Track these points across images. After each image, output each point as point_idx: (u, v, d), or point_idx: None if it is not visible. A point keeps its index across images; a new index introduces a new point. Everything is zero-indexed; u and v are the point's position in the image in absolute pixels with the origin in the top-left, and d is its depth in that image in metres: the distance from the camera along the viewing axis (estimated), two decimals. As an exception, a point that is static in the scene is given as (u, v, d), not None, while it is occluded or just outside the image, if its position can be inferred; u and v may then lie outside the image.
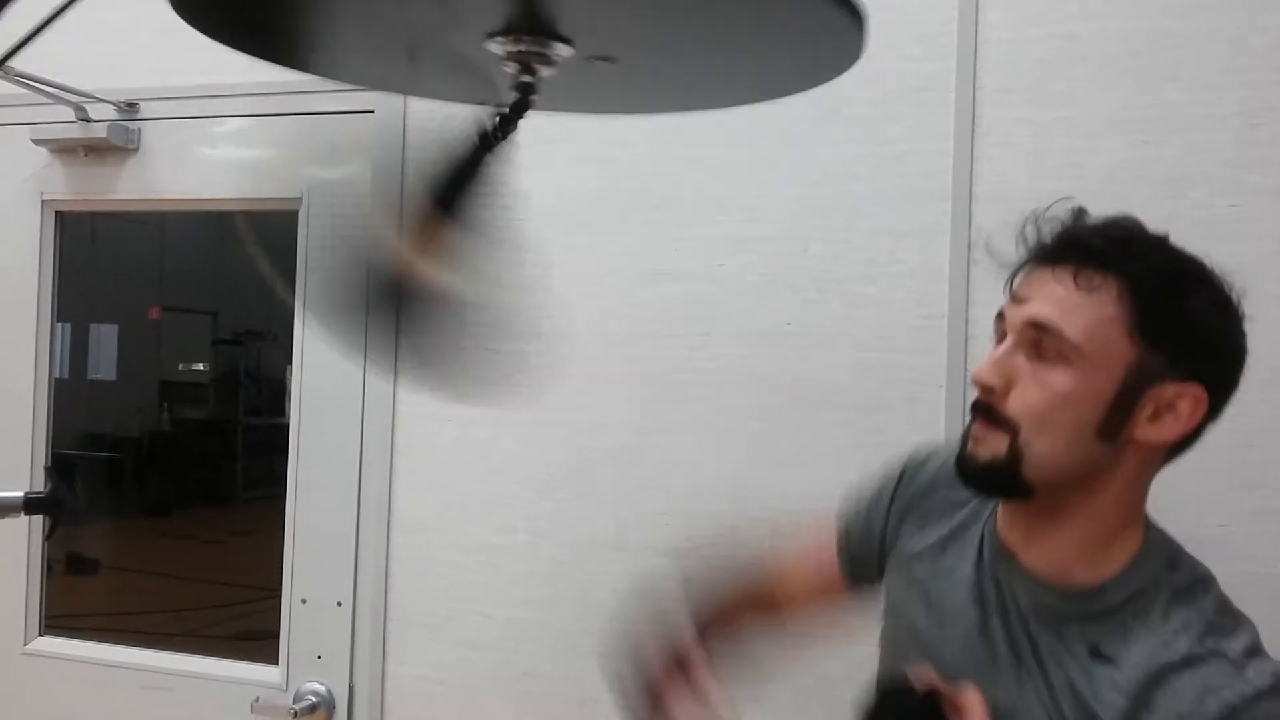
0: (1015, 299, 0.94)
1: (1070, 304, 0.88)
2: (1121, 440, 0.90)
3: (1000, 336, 0.95)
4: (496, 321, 0.84)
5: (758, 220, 1.65)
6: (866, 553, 1.15)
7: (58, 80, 1.91)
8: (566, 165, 1.73)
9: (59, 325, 2.14)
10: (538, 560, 1.75)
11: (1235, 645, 0.86)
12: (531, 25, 0.77)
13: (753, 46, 0.82)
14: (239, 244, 1.90)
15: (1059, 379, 0.88)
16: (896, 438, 1.51)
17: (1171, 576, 0.92)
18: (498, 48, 0.79)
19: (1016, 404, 0.90)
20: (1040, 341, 0.90)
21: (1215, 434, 1.43)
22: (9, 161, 2.09)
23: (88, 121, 1.99)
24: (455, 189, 0.79)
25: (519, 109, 0.81)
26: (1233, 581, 1.42)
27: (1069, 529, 0.92)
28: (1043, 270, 0.92)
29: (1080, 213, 0.96)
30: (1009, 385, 0.91)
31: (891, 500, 1.13)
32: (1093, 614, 0.91)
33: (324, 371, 1.91)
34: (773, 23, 0.76)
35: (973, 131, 1.54)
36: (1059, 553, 0.93)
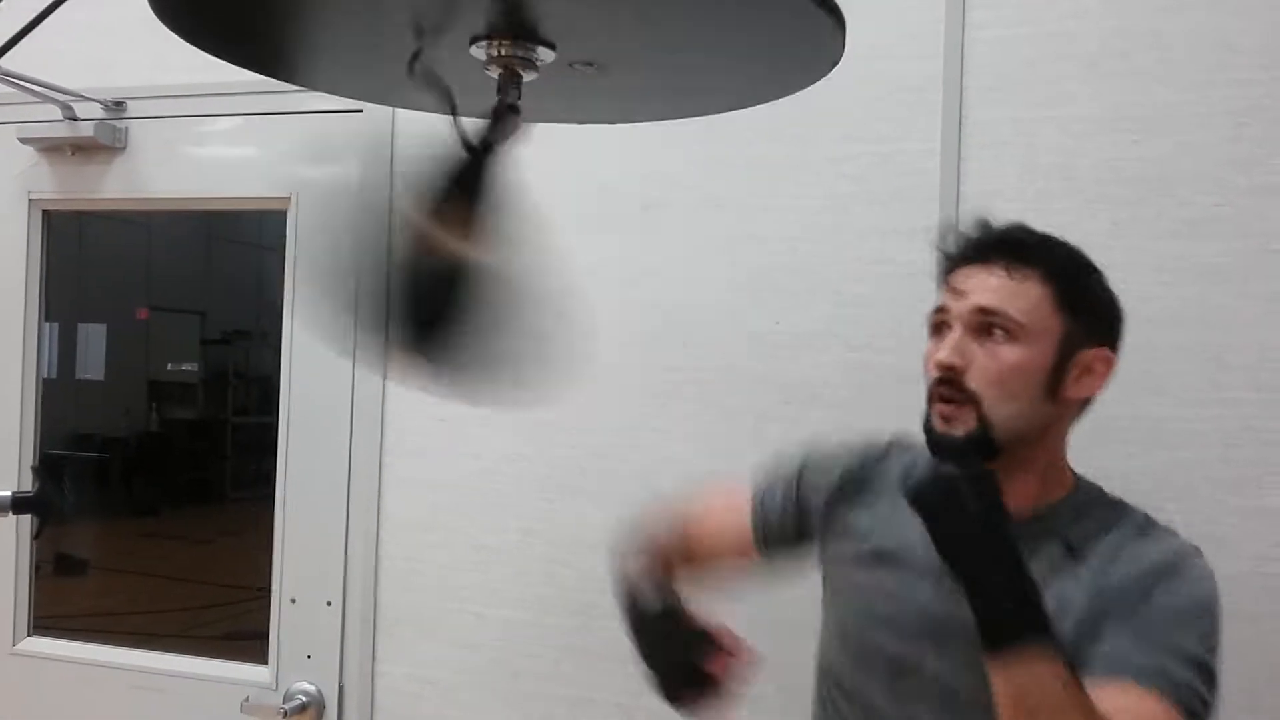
0: (956, 293, 1.10)
1: (1008, 291, 1.07)
2: (1059, 398, 1.09)
3: (937, 328, 1.12)
4: (512, 305, 0.85)
5: (747, 220, 1.65)
6: (784, 525, 1.30)
7: (45, 79, 1.91)
8: (556, 166, 1.73)
9: (47, 325, 2.13)
10: (528, 560, 1.75)
11: (1167, 529, 1.11)
12: (514, 29, 0.78)
13: (734, 51, 0.82)
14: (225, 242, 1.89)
15: (1009, 353, 1.06)
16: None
17: (1105, 493, 1.16)
18: (480, 52, 0.80)
19: (977, 379, 1.07)
20: (988, 325, 1.07)
21: (1203, 433, 1.45)
22: (-4, 160, 2.08)
23: (75, 120, 1.98)
24: (465, 180, 0.80)
25: (502, 114, 0.81)
26: (1221, 579, 1.42)
27: (1028, 473, 1.10)
28: (975, 268, 1.10)
29: (986, 223, 1.15)
30: (967, 365, 1.07)
31: (814, 485, 1.28)
32: (1064, 522, 1.11)
33: (313, 371, 1.90)
34: (754, 26, 0.77)
35: (960, 131, 1.55)
36: (1023, 493, 1.09)
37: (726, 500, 1.36)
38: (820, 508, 1.27)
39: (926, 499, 1.02)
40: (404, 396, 1.83)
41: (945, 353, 1.07)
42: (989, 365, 1.06)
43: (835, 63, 0.82)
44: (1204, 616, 1.03)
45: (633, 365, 1.70)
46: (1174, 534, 1.10)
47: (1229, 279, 1.45)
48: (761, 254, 1.64)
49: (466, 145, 0.80)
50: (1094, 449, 1.47)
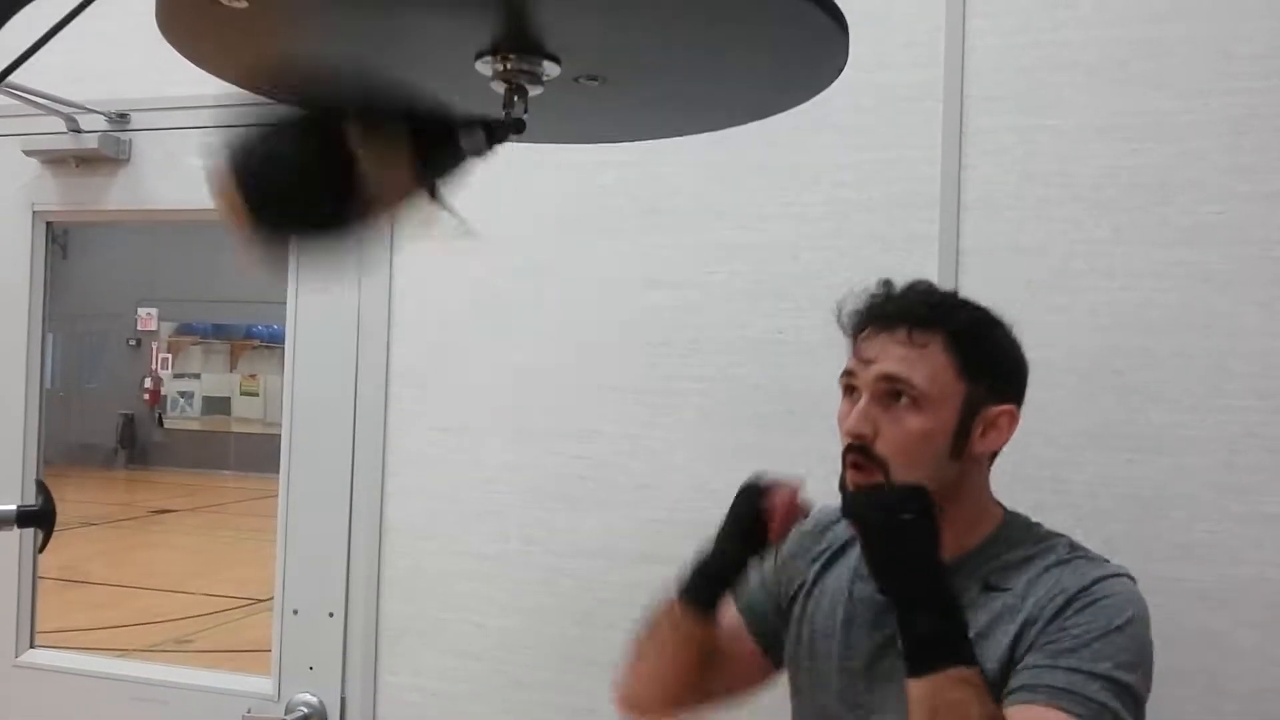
0: (863, 360, 1.14)
1: (911, 359, 1.10)
2: (965, 456, 1.13)
3: (847, 389, 1.15)
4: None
5: (748, 228, 1.66)
6: (766, 608, 1.30)
7: (49, 91, 1.91)
8: (557, 172, 1.73)
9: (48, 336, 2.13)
10: (530, 569, 1.75)
11: (1092, 555, 1.13)
12: (519, 44, 0.78)
13: (739, 63, 0.83)
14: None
15: (914, 420, 1.10)
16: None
17: (1035, 529, 1.18)
18: (486, 67, 0.80)
19: (884, 446, 1.10)
20: (894, 391, 1.10)
21: (1202, 440, 1.45)
22: (0, 173, 2.09)
23: (79, 132, 1.99)
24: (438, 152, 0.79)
25: (510, 128, 0.81)
26: (1223, 586, 1.43)
27: (943, 527, 1.09)
28: (881, 334, 1.13)
29: (888, 283, 1.18)
30: (876, 431, 1.10)
31: (774, 567, 1.31)
32: (980, 562, 1.14)
33: (316, 380, 1.91)
34: (758, 36, 0.77)
35: (960, 139, 1.55)
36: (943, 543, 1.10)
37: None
38: (796, 587, 1.28)
39: (862, 511, 1.09)
40: (406, 407, 1.83)
41: (853, 422, 1.11)
42: (895, 433, 1.10)
43: (840, 69, 0.83)
44: (1117, 636, 1.04)
45: (634, 374, 1.70)
46: (1100, 561, 1.13)
47: (1230, 285, 1.45)
48: (763, 262, 1.64)
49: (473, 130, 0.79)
50: (1095, 456, 1.48)
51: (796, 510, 1.19)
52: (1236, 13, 1.46)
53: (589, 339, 1.73)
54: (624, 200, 1.72)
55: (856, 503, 1.10)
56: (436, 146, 0.79)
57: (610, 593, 1.70)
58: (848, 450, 1.12)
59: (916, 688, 1.00)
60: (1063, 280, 1.51)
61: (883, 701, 1.14)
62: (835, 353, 1.60)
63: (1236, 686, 1.43)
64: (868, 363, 1.13)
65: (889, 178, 1.59)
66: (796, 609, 1.26)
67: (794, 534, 1.26)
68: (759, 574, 1.30)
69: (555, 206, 1.75)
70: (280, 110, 0.80)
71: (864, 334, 1.16)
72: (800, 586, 1.27)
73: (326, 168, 0.77)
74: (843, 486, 1.14)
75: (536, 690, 1.74)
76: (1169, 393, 1.46)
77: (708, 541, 1.22)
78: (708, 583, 1.21)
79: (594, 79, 0.85)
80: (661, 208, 1.70)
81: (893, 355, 1.11)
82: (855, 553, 1.23)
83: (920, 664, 1.00)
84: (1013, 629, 1.08)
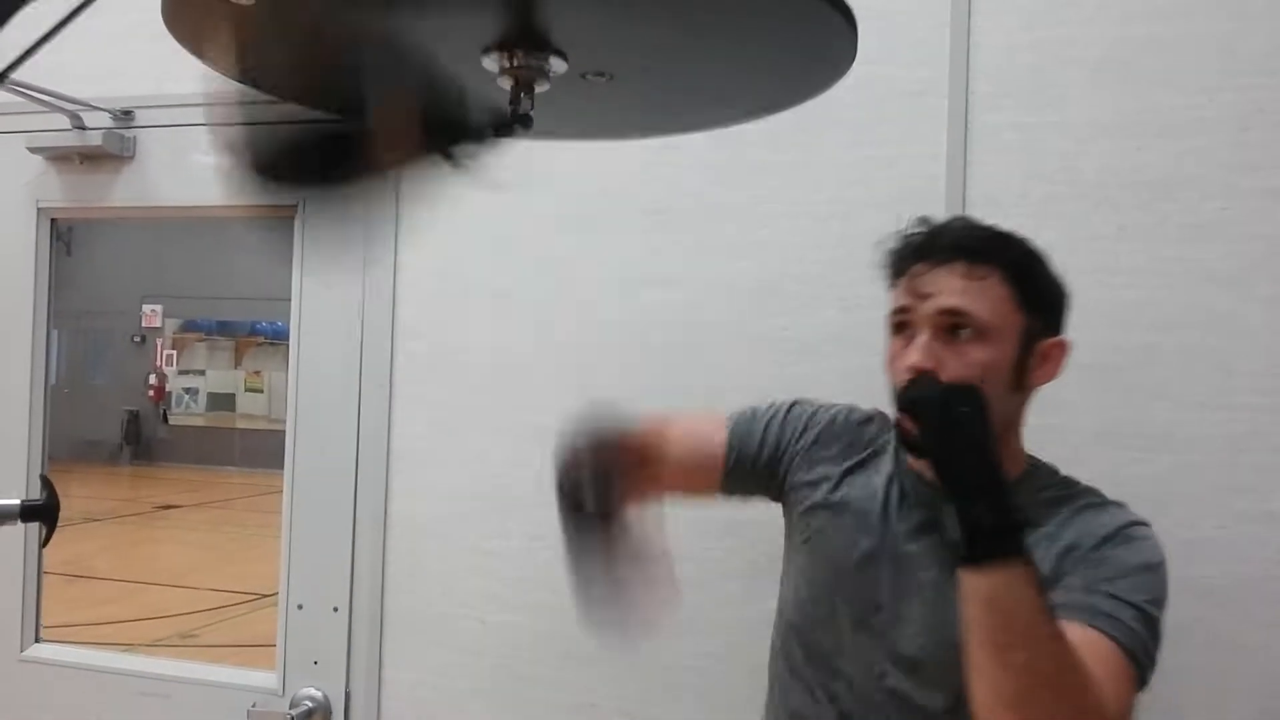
0: (919, 295, 1.12)
1: (971, 292, 1.09)
2: (1021, 389, 1.14)
3: (898, 327, 1.14)
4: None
5: (752, 225, 1.66)
6: (754, 463, 1.30)
7: (53, 88, 1.92)
8: (563, 171, 1.73)
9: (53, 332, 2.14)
10: (533, 565, 1.75)
11: (1121, 503, 1.16)
12: (527, 39, 0.78)
13: (745, 59, 0.83)
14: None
15: (978, 352, 1.09)
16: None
17: (1061, 474, 1.21)
18: (493, 63, 0.80)
19: (949, 379, 1.08)
20: (954, 325, 1.09)
21: (1206, 439, 1.45)
22: (5, 169, 2.09)
23: (83, 129, 1.99)
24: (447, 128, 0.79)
25: (517, 124, 0.82)
26: (1228, 583, 1.43)
27: None
28: (934, 269, 1.12)
29: (927, 219, 1.18)
30: (941, 366, 1.09)
31: (797, 437, 1.30)
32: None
33: (320, 376, 1.91)
34: (765, 31, 0.77)
35: (966, 136, 1.55)
36: None
37: (703, 415, 1.36)
38: (796, 448, 1.29)
39: (921, 404, 1.06)
40: (410, 404, 1.83)
41: (917, 355, 1.09)
42: (959, 366, 1.08)
43: (849, 65, 0.82)
44: (1151, 575, 1.07)
45: (637, 371, 1.70)
46: (1125, 507, 1.15)
47: (1234, 283, 1.45)
48: (767, 260, 1.64)
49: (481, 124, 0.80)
50: (1099, 453, 1.48)
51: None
52: (1241, 10, 1.46)
53: (593, 337, 1.73)
54: (628, 199, 1.72)
55: (915, 396, 1.07)
56: (446, 121, 0.79)
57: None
58: (908, 386, 1.10)
59: (975, 580, 0.96)
60: (1067, 277, 1.49)
61: (905, 612, 1.15)
62: (840, 350, 1.61)
63: (1241, 684, 1.43)
64: (925, 297, 1.11)
65: (894, 175, 1.59)
66: (807, 497, 1.26)
67: (836, 419, 1.30)
68: (780, 418, 1.31)
69: (560, 205, 1.75)
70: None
71: (915, 269, 1.14)
72: (824, 479, 1.26)
73: (337, 128, 0.78)
74: (897, 425, 1.11)
75: (539, 686, 1.74)
76: (1173, 391, 1.46)
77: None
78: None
79: (601, 75, 0.85)
80: (666, 207, 1.70)
81: (953, 288, 1.10)
82: (885, 465, 1.24)
83: (981, 555, 0.96)
84: (1052, 554, 1.09)
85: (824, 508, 1.25)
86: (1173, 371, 1.46)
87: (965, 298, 1.09)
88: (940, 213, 1.54)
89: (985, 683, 0.96)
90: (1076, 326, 1.49)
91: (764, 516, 1.39)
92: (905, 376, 1.10)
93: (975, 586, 0.97)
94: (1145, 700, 1.34)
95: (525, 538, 1.76)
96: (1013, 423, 1.16)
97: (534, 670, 1.74)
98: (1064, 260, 1.51)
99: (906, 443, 1.12)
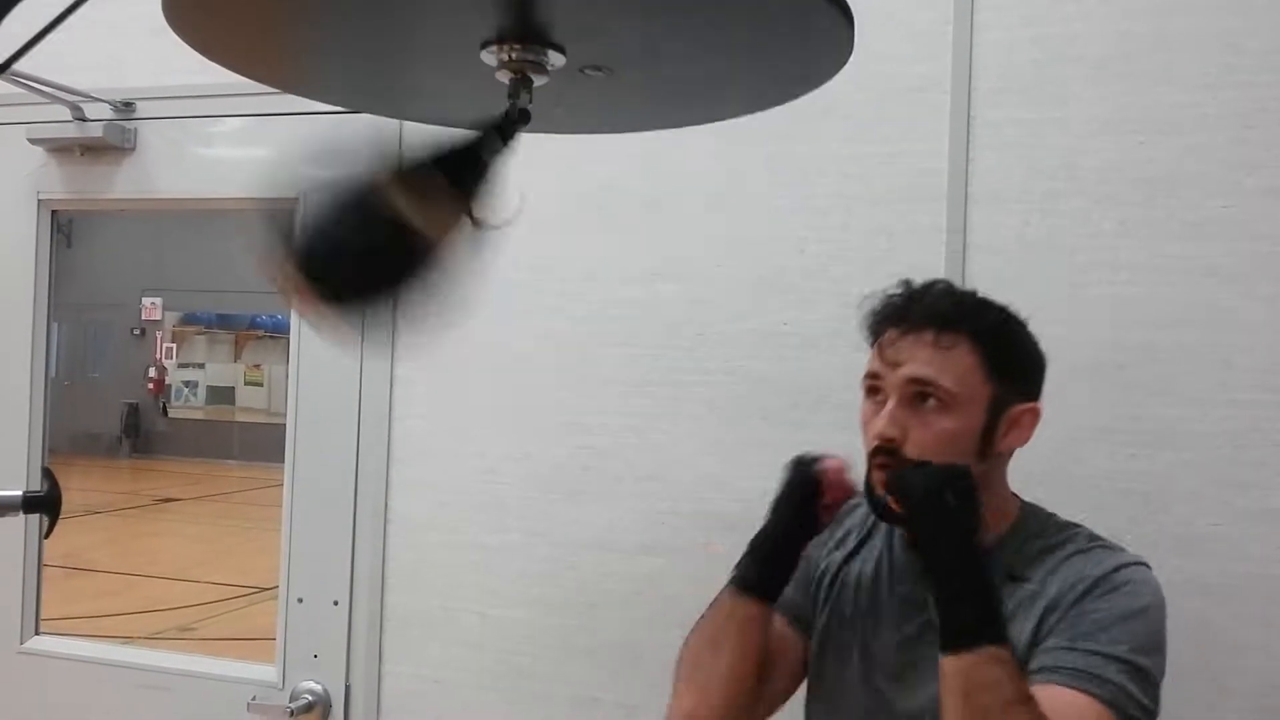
0: (889, 363, 1.13)
1: (938, 361, 1.10)
2: (990, 455, 1.14)
3: (871, 391, 1.16)
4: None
5: (754, 220, 1.65)
6: (803, 600, 1.29)
7: (54, 80, 1.91)
8: (561, 165, 1.73)
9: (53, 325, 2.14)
10: (533, 560, 1.75)
11: (1111, 544, 1.15)
12: (524, 33, 0.78)
13: (744, 52, 0.83)
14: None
15: (943, 422, 1.10)
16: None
17: (1053, 519, 1.20)
18: (491, 57, 0.80)
19: (914, 449, 1.10)
20: (922, 394, 1.11)
21: (1206, 435, 1.45)
22: (5, 161, 2.09)
23: (84, 121, 1.99)
24: (464, 166, 0.80)
25: (514, 119, 0.81)
26: (1226, 581, 1.43)
27: None
28: (905, 337, 1.13)
29: (908, 283, 1.18)
30: (905, 435, 1.11)
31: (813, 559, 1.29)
32: (1003, 554, 1.15)
33: (321, 371, 1.91)
34: (763, 24, 0.77)
35: (968, 131, 1.55)
36: None
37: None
38: (817, 576, 1.29)
39: (907, 486, 1.08)
40: (411, 398, 1.83)
41: (883, 424, 1.11)
42: (923, 435, 1.10)
43: (846, 59, 0.82)
44: (1135, 622, 1.06)
45: (638, 366, 1.70)
46: (1119, 550, 1.14)
47: (1236, 280, 1.45)
48: (768, 254, 1.64)
49: (480, 139, 0.81)
50: (1099, 451, 1.48)
51: (849, 485, 1.17)
52: (1244, 6, 1.46)
53: (593, 331, 1.73)
54: (628, 193, 1.72)
55: (903, 481, 1.09)
56: (465, 172, 0.80)
57: (613, 584, 1.70)
58: (875, 453, 1.12)
59: (951, 664, 1.00)
60: (1068, 274, 1.51)
61: (909, 688, 1.15)
62: (840, 345, 1.60)
63: (1239, 682, 1.43)
64: (894, 365, 1.13)
65: (896, 170, 1.59)
66: (820, 595, 1.27)
67: (829, 535, 1.28)
68: (802, 571, 1.29)
69: (559, 199, 1.75)
70: (319, 193, 0.80)
71: (887, 336, 1.15)
72: (823, 573, 1.28)
73: (375, 232, 0.78)
74: (868, 488, 1.14)
75: (539, 680, 1.74)
76: (1173, 387, 1.46)
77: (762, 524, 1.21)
78: (764, 564, 1.19)
79: (599, 69, 0.85)
80: (666, 200, 1.70)
81: (920, 358, 1.11)
82: (879, 544, 1.25)
83: (958, 642, 1.00)
84: (1035, 614, 1.09)
85: (832, 602, 1.26)
86: (1173, 368, 1.46)
87: (931, 367, 1.10)
88: (942, 208, 1.56)
89: None
90: (1077, 322, 1.50)
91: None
92: (875, 443, 1.12)
93: (954, 671, 1.00)
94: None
95: (524, 533, 1.76)
96: (989, 484, 1.15)
97: (534, 664, 1.75)
98: (1065, 256, 1.52)
99: (880, 512, 1.15)
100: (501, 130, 0.81)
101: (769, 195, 1.65)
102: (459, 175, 0.79)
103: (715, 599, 1.22)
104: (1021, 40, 1.54)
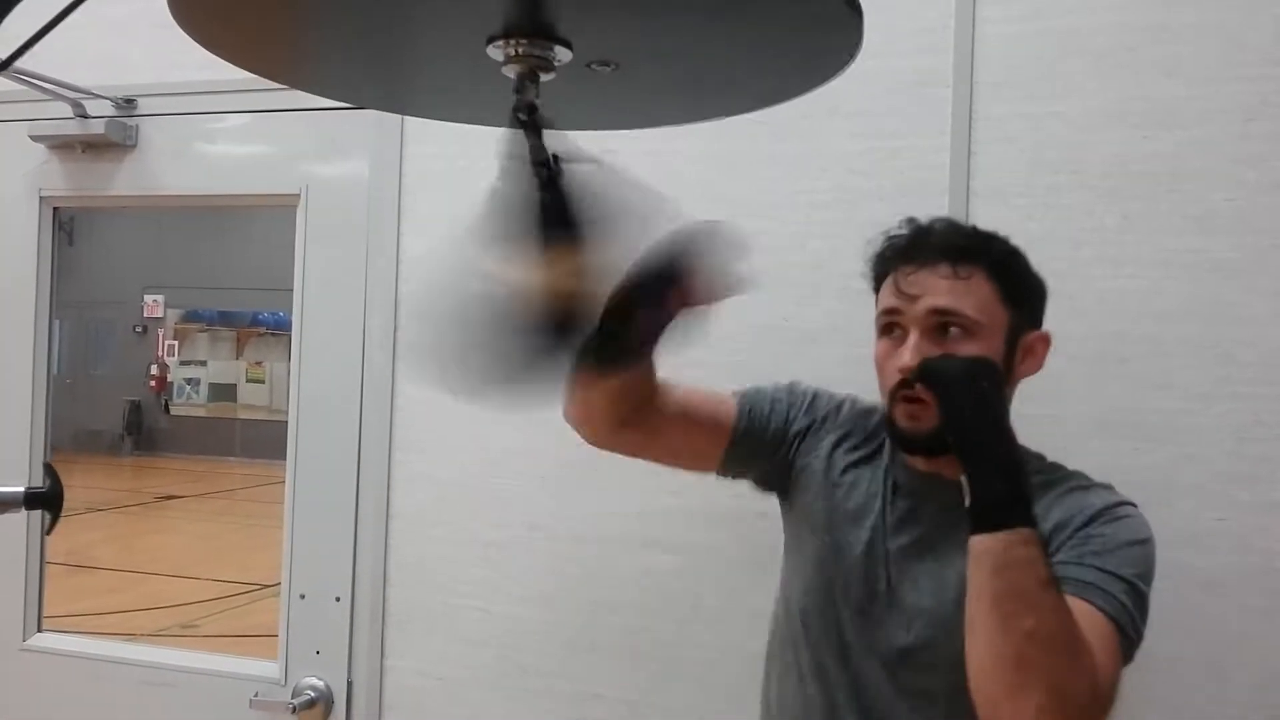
0: (908, 296, 1.14)
1: (958, 291, 1.12)
2: (1009, 381, 1.17)
3: (887, 328, 1.17)
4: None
5: (756, 215, 1.65)
6: (762, 433, 1.32)
7: (56, 76, 1.91)
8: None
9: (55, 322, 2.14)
10: (535, 555, 1.75)
11: (1108, 485, 1.18)
12: (531, 28, 0.78)
13: (751, 48, 0.82)
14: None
15: (968, 349, 1.12)
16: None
17: (1044, 460, 1.22)
18: (498, 52, 0.80)
19: None
20: (944, 325, 1.12)
21: (1213, 428, 1.45)
22: (7, 158, 2.09)
23: (86, 118, 1.99)
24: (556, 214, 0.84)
25: (526, 119, 0.82)
26: (1231, 574, 1.43)
27: None
28: (920, 271, 1.14)
29: (913, 220, 1.20)
30: None
31: (802, 412, 1.34)
32: None
33: (323, 367, 1.91)
34: (771, 19, 0.77)
35: (970, 126, 1.55)
36: None
37: (709, 389, 1.36)
38: (803, 424, 1.32)
39: (940, 373, 1.09)
40: (413, 393, 1.83)
41: (909, 357, 1.12)
42: None
43: (854, 54, 0.82)
44: (1139, 550, 1.09)
45: (641, 361, 1.70)
46: (1111, 489, 1.17)
47: (1238, 274, 1.45)
48: (770, 249, 1.64)
49: (543, 179, 0.84)
50: (1102, 444, 1.48)
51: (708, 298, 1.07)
52: (1247, 0, 1.45)
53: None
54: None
55: (939, 367, 1.10)
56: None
57: (616, 579, 1.70)
58: (899, 386, 1.14)
59: (983, 543, 1.00)
60: (1071, 268, 1.50)
61: (907, 587, 1.18)
62: (841, 340, 1.60)
63: (1243, 675, 1.43)
64: (913, 299, 1.14)
65: (898, 165, 1.58)
66: (812, 483, 1.29)
67: (842, 406, 1.33)
68: (786, 395, 1.34)
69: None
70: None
71: (901, 270, 1.17)
72: (828, 458, 1.29)
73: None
74: (890, 423, 1.17)
75: (542, 676, 1.74)
76: (1176, 381, 1.46)
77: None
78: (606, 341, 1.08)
79: (606, 65, 0.84)
80: (669, 196, 1.69)
81: (940, 289, 1.13)
82: (882, 459, 1.27)
83: (992, 521, 1.00)
84: (1041, 534, 1.10)
85: (828, 499, 1.27)
86: (1176, 362, 1.46)
87: (952, 297, 1.12)
88: (945, 203, 1.55)
89: (985, 647, 0.98)
90: (1080, 316, 1.50)
91: (765, 506, 1.40)
92: (898, 377, 1.14)
93: (986, 550, 1.00)
94: (1147, 691, 1.34)
95: (527, 528, 1.76)
96: None
97: (536, 660, 1.75)
98: (1068, 251, 1.52)
99: (902, 438, 1.17)
100: (531, 140, 0.83)
101: (771, 191, 1.65)
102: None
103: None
104: (1024, 34, 1.54)
